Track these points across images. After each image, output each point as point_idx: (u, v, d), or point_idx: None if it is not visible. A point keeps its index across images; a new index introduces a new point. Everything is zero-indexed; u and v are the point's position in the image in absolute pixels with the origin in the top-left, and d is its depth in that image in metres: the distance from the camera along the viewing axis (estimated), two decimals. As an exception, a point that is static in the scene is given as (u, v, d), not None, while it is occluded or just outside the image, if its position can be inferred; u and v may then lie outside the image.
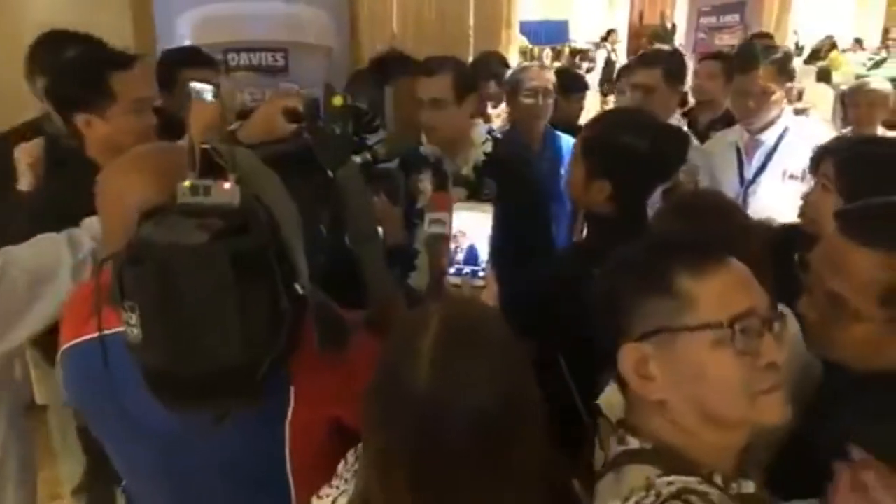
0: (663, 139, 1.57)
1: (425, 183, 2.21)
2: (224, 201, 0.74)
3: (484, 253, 1.06)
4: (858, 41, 9.85)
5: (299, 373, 0.88)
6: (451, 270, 1.07)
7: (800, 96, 8.03)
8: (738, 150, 2.29)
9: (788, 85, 2.29)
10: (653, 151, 1.53)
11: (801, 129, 2.28)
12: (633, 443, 0.80)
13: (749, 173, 2.26)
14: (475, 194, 2.10)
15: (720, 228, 1.37)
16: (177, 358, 0.71)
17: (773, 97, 2.19)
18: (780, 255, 1.44)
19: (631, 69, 2.58)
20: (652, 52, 2.95)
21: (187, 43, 2.92)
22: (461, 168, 2.14)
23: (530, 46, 10.54)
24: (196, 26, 2.98)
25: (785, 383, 0.76)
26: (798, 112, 7.74)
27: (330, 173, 0.99)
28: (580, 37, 12.34)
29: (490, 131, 2.28)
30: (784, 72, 2.24)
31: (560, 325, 1.41)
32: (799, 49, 10.45)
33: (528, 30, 9.89)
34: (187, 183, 0.75)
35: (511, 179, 2.08)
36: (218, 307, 0.70)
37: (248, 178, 0.78)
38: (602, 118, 1.80)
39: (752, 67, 2.18)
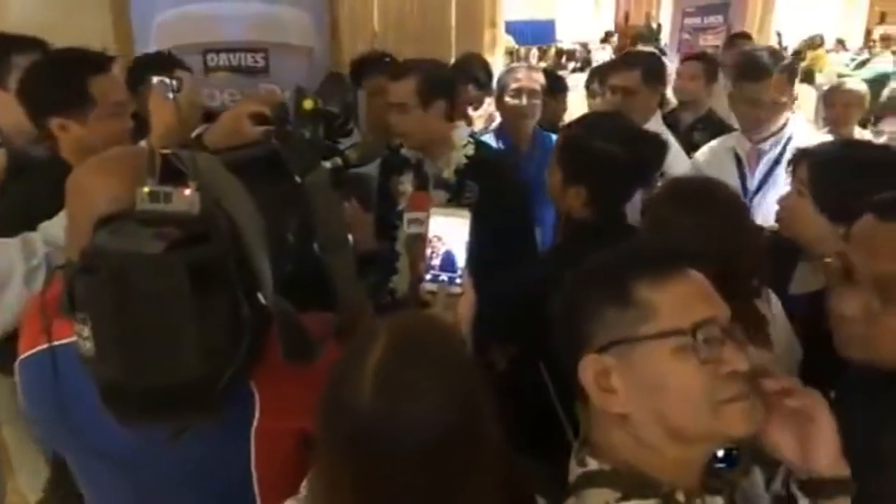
0: (640, 145, 1.57)
1: (406, 185, 2.20)
2: (184, 209, 0.72)
3: (461, 259, 1.04)
4: (841, 42, 9.93)
5: (264, 384, 0.86)
6: (427, 277, 1.04)
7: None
8: (739, 159, 2.22)
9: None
10: (629, 157, 1.52)
11: (806, 136, 2.18)
12: (593, 464, 0.79)
13: (752, 184, 2.20)
14: (456, 197, 2.09)
15: (723, 216, 1.36)
16: (131, 371, 0.69)
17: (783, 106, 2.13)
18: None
19: (609, 71, 2.56)
20: (631, 54, 2.96)
21: (168, 43, 2.89)
22: (442, 171, 2.13)
23: (517, 46, 10.55)
24: (174, 26, 2.94)
25: (752, 394, 0.74)
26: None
27: (298, 179, 0.96)
28: (566, 37, 12.38)
29: (472, 134, 2.27)
30: (792, 78, 2.18)
31: (538, 329, 1.40)
32: (783, 50, 10.55)
33: (515, 30, 9.90)
34: (146, 189, 0.73)
35: (493, 182, 2.07)
36: (174, 319, 0.68)
37: (209, 185, 0.76)
38: (578, 123, 1.80)
39: (763, 76, 2.09)
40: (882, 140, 2.13)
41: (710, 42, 6.64)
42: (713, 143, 2.37)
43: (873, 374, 0.98)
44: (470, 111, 2.82)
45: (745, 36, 4.66)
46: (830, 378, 1.03)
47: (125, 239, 0.69)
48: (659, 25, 12.12)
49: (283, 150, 0.99)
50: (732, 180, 2.13)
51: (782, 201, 1.46)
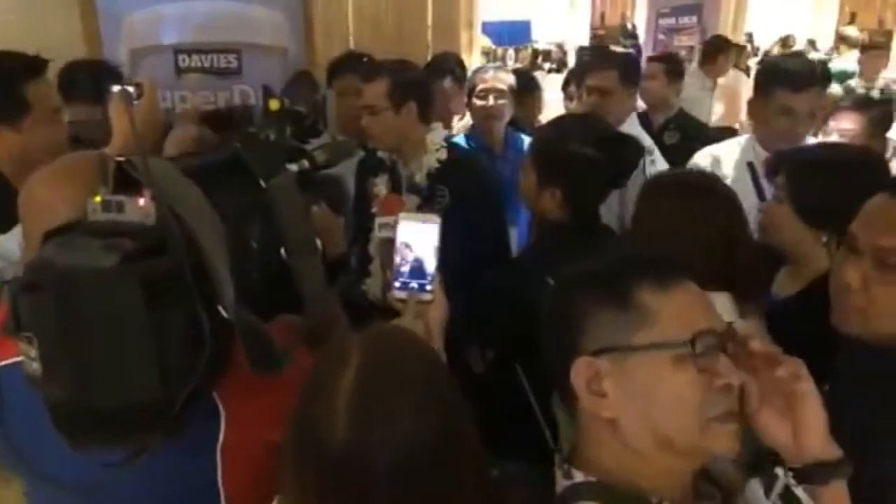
0: (614, 147, 1.56)
1: (381, 187, 2.18)
2: (138, 219, 0.68)
3: (431, 266, 1.02)
4: (812, 42, 10.08)
5: (230, 397, 0.83)
6: (396, 285, 1.02)
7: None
8: (753, 169, 2.05)
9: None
10: (603, 159, 1.52)
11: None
12: (578, 476, 0.77)
13: (770, 193, 2.13)
14: (427, 202, 2.06)
15: (715, 208, 1.36)
16: (82, 393, 0.65)
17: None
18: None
19: (585, 72, 2.54)
20: (607, 54, 2.95)
21: (138, 43, 2.83)
22: (414, 175, 2.11)
23: (493, 47, 10.57)
24: (144, 26, 2.88)
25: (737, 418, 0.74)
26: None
27: (262, 183, 0.92)
28: (542, 37, 12.43)
29: (447, 138, 2.24)
30: (824, 88, 2.09)
31: (514, 331, 1.39)
32: (755, 50, 10.68)
33: (491, 31, 9.93)
34: (98, 198, 0.69)
35: (465, 186, 2.05)
36: (128, 336, 0.64)
37: (165, 193, 0.72)
38: (552, 125, 1.80)
39: (807, 85, 1.87)
40: (832, 138, 2.08)
41: (685, 42, 6.71)
42: (715, 149, 2.16)
43: (865, 361, 0.99)
44: (455, 120, 2.81)
45: (725, 41, 4.70)
46: (823, 372, 1.03)
47: (74, 252, 0.65)
48: (634, 26, 12.22)
49: (245, 153, 0.95)
50: (746, 189, 1.93)
51: (764, 210, 1.45)
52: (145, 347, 0.65)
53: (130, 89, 1.26)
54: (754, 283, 1.36)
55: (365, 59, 2.58)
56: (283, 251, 0.95)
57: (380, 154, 2.20)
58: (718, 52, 4.44)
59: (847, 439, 0.86)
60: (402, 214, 1.07)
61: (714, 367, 0.72)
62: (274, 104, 1.17)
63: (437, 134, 2.13)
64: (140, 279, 0.64)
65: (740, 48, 6.53)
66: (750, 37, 9.33)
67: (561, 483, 0.78)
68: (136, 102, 1.22)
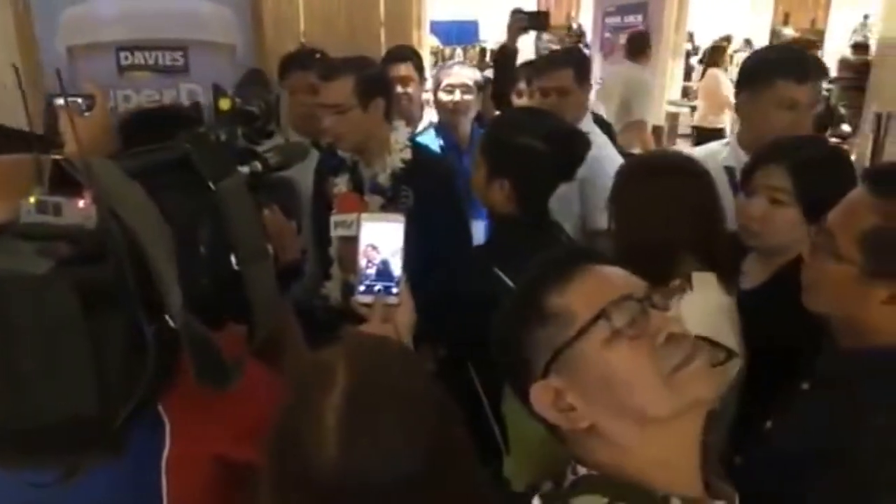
0: (562, 139, 1.58)
1: (341, 187, 2.13)
2: (77, 222, 0.64)
3: (397, 267, 0.99)
4: (748, 41, 10.41)
5: (175, 409, 0.80)
6: (361, 288, 0.99)
7: (696, 95, 8.42)
8: (732, 174, 1.93)
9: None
10: (551, 151, 1.54)
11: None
12: (582, 470, 0.75)
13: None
14: (391, 203, 2.03)
15: (696, 188, 1.39)
16: (11, 410, 0.60)
17: None
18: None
19: (539, 72, 2.49)
20: (560, 53, 2.96)
21: (76, 41, 2.71)
22: (377, 175, 2.07)
23: (441, 47, 10.56)
24: (82, 23, 2.75)
25: (704, 351, 0.72)
26: (696, 109, 8.06)
27: (212, 185, 0.88)
28: (490, 37, 12.48)
29: (412, 137, 2.22)
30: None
31: (466, 329, 1.38)
32: (695, 49, 10.98)
33: (439, 30, 9.91)
34: (32, 199, 0.64)
35: (430, 187, 2.03)
36: (63, 348, 0.60)
37: (108, 195, 0.67)
38: (502, 118, 1.81)
39: (810, 75, 1.72)
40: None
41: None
42: (701, 154, 1.99)
43: (842, 362, 1.01)
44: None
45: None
46: (800, 366, 1.04)
47: (4, 257, 0.60)
48: (580, 25, 12.40)
49: (194, 154, 0.90)
50: (722, 193, 1.77)
51: (755, 213, 1.33)
52: (82, 360, 0.60)
53: (79, 100, 1.18)
54: (731, 261, 1.40)
55: (318, 56, 2.53)
56: (232, 257, 0.91)
57: (341, 153, 2.15)
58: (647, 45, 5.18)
59: (826, 440, 0.88)
60: (365, 215, 1.04)
61: (645, 327, 0.71)
62: (224, 104, 1.12)
63: (400, 133, 2.10)
64: (76, 286, 0.59)
65: (722, 49, 6.81)
66: (691, 36, 9.57)
67: (568, 478, 0.77)
68: (86, 114, 1.15)
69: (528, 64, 2.89)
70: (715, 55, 6.47)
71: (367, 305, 0.98)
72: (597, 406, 0.72)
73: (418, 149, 2.14)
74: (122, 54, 2.77)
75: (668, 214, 1.31)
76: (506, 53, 2.69)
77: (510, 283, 1.57)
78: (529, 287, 0.79)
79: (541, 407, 0.75)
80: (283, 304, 1.11)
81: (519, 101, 2.79)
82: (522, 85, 2.80)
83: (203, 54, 2.84)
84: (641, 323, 0.71)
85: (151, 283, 0.68)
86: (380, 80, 2.06)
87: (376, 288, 0.98)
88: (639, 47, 5.11)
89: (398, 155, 2.05)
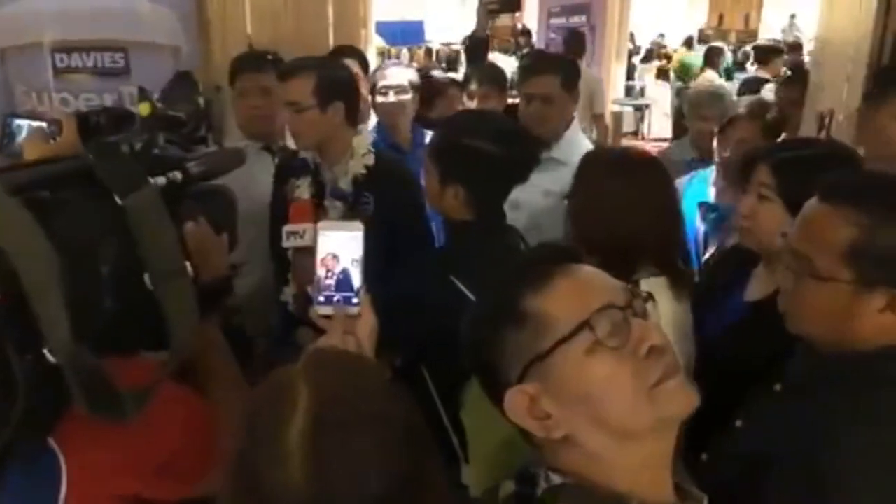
0: (512, 139, 1.57)
1: (303, 190, 2.08)
2: None
3: (357, 277, 0.95)
4: (688, 41, 10.68)
5: (72, 446, 0.76)
6: (321, 299, 0.94)
7: (642, 92, 8.63)
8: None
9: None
10: (503, 153, 1.52)
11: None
12: (555, 479, 0.74)
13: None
14: (352, 209, 2.00)
15: (651, 181, 1.44)
16: None
17: None
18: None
19: (523, 78, 2.39)
20: (547, 59, 2.90)
21: (7, 41, 2.57)
22: (338, 179, 2.04)
23: (387, 47, 10.50)
24: (14, 22, 2.62)
25: (681, 367, 0.72)
26: (639, 108, 8.28)
27: (119, 199, 0.83)
28: (435, 38, 12.48)
29: (376, 143, 2.18)
30: None
31: (422, 337, 1.36)
32: (636, 48, 11.23)
33: (384, 30, 9.84)
34: None
35: (392, 193, 2.00)
36: None
37: None
38: (449, 121, 1.80)
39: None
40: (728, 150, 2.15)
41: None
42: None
43: (816, 367, 1.01)
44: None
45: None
46: (776, 371, 1.05)
47: None
48: (524, 27, 12.52)
49: (98, 165, 0.84)
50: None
51: (744, 210, 1.36)
52: None
53: (43, 125, 1.11)
54: (685, 261, 1.44)
55: (270, 57, 2.47)
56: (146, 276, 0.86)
57: (302, 155, 2.11)
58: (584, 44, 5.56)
59: (793, 442, 0.88)
60: (322, 223, 0.99)
61: (627, 337, 0.69)
62: (144, 108, 1.06)
63: (364, 138, 2.06)
64: None
65: (718, 50, 7.02)
66: (632, 36, 9.78)
67: (540, 486, 0.75)
68: (53, 141, 1.07)
69: (475, 66, 2.87)
70: (711, 55, 6.68)
71: (328, 317, 0.93)
72: (573, 415, 0.71)
73: (381, 154, 2.11)
74: (58, 56, 2.64)
75: (627, 212, 1.33)
76: (475, 41, 2.63)
77: (467, 292, 1.55)
78: (506, 288, 0.76)
79: (514, 413, 0.73)
80: (209, 324, 1.06)
81: (469, 104, 2.77)
82: (473, 86, 2.79)
83: (145, 56, 2.73)
84: (623, 333, 0.69)
85: (25, 314, 0.65)
86: (342, 83, 2.02)
87: (336, 299, 0.93)
88: (579, 46, 5.36)
89: (360, 160, 2.02)
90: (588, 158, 1.56)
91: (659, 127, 8.53)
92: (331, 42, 3.09)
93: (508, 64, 6.64)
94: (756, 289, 1.38)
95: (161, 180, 0.95)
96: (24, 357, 0.65)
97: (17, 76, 2.64)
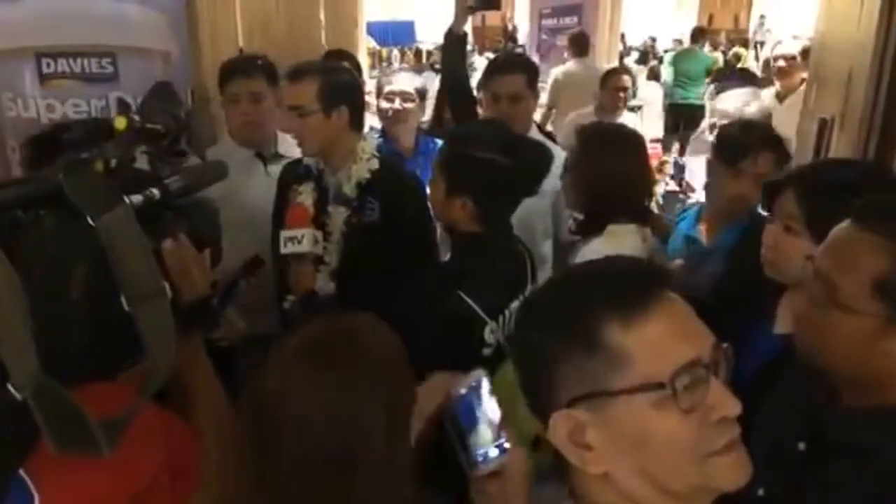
0: (521, 152, 1.54)
1: (305, 196, 2.04)
2: None
3: (498, 417, 0.90)
4: (678, 41, 10.72)
5: (44, 477, 0.75)
6: (480, 459, 0.87)
7: (634, 94, 8.62)
8: None
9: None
10: (513, 165, 1.50)
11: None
12: None
13: None
14: (357, 214, 1.97)
15: (643, 155, 1.68)
16: None
17: None
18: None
19: (490, 77, 2.38)
20: (510, 58, 2.91)
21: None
22: (342, 184, 2.00)
23: (378, 48, 10.46)
24: (-1, 28, 2.55)
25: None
26: (632, 109, 8.34)
27: (91, 220, 0.80)
28: (426, 38, 12.45)
29: (380, 148, 2.15)
30: None
31: (432, 351, 1.33)
32: (627, 49, 11.24)
33: (375, 31, 9.81)
34: None
35: (396, 200, 1.96)
36: None
37: None
38: (460, 131, 1.80)
39: None
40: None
41: (566, 43, 6.92)
42: None
43: (852, 425, 0.93)
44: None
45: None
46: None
47: None
48: (514, 27, 12.52)
49: (68, 185, 0.80)
50: None
51: (767, 241, 1.29)
52: None
53: None
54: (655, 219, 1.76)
55: (260, 62, 2.42)
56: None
57: (306, 161, 2.07)
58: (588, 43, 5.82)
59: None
60: (452, 392, 0.93)
61: (703, 400, 0.64)
62: (120, 122, 1.02)
63: (369, 143, 2.03)
64: None
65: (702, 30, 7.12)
66: (622, 36, 9.79)
67: None
68: None
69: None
70: (696, 34, 6.78)
71: (497, 473, 0.87)
72: (618, 457, 0.67)
73: (385, 159, 2.07)
74: (44, 61, 2.57)
75: (620, 177, 1.64)
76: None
77: (474, 306, 1.52)
78: (585, 307, 0.68)
79: (556, 436, 0.69)
80: (192, 343, 1.04)
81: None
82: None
83: (134, 61, 2.67)
84: (699, 395, 0.64)
85: None
86: (346, 87, 1.98)
87: (491, 455, 0.87)
88: (583, 45, 5.63)
89: (364, 164, 1.98)
90: (588, 133, 1.76)
91: (652, 127, 8.53)
92: (324, 44, 3.05)
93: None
94: (787, 320, 1.29)
95: (137, 198, 0.92)
96: None
97: (2, 82, 2.58)
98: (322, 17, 3.05)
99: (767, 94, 3.44)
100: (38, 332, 0.69)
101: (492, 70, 2.42)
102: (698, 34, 7.71)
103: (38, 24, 2.56)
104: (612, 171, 1.64)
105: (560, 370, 0.68)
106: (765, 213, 1.33)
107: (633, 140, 1.77)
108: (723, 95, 2.75)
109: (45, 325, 0.70)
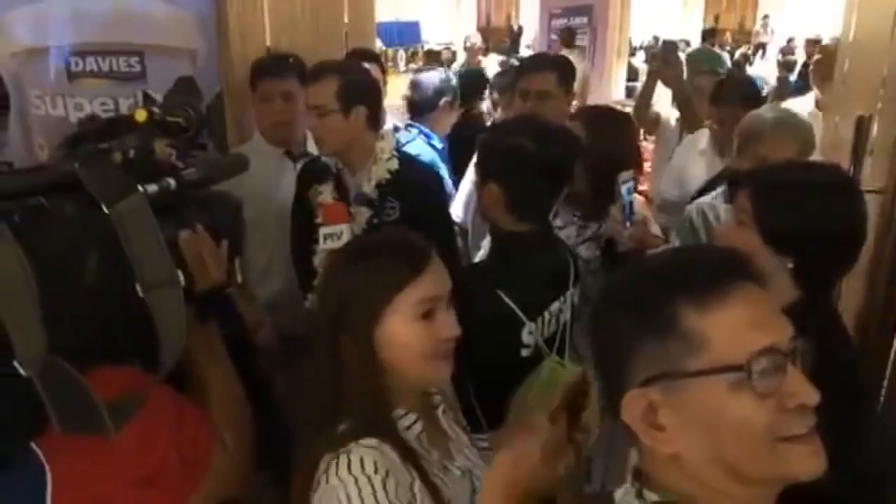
0: (551, 139, 1.57)
1: (326, 195, 2.05)
2: None
3: None
4: (686, 42, 10.72)
5: (57, 453, 0.78)
6: None
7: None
8: None
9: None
10: (539, 150, 1.53)
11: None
12: (652, 497, 0.71)
13: None
14: (377, 215, 1.97)
15: (618, 139, 1.90)
16: None
17: None
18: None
19: (520, 75, 2.45)
20: (541, 56, 2.94)
21: (21, 45, 2.51)
22: (361, 185, 2.01)
23: (384, 48, 10.47)
24: (27, 26, 2.55)
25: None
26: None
27: (105, 208, 0.82)
28: (431, 38, 12.46)
29: (399, 147, 2.16)
30: None
31: (468, 351, 1.34)
32: (633, 49, 11.25)
33: (381, 31, 9.81)
34: None
35: (416, 200, 1.97)
36: None
37: None
38: (496, 124, 1.89)
39: None
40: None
41: (578, 43, 6.94)
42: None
43: None
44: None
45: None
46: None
47: None
48: (520, 27, 12.52)
49: (84, 174, 0.83)
50: None
51: (721, 233, 1.38)
52: None
53: None
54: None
55: (291, 61, 2.44)
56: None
57: (325, 160, 2.08)
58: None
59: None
60: None
61: (779, 386, 0.65)
62: (140, 115, 1.05)
63: (388, 143, 2.03)
64: None
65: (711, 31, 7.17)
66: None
67: (631, 502, 0.73)
68: None
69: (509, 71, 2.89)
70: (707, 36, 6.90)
71: None
72: (690, 439, 0.68)
73: (405, 159, 2.08)
74: (73, 59, 2.58)
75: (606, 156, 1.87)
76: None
77: (513, 306, 1.53)
78: (664, 293, 0.70)
79: (629, 415, 0.70)
80: (207, 332, 1.07)
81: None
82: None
83: (160, 60, 2.67)
84: (776, 380, 0.65)
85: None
86: (364, 86, 1.99)
87: None
88: (572, 37, 6.19)
89: (384, 165, 1.99)
90: (593, 115, 2.05)
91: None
92: (346, 44, 3.06)
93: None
94: None
95: (153, 187, 0.94)
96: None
97: (30, 80, 2.58)
98: (346, 16, 3.05)
99: (806, 102, 3.44)
100: (51, 314, 0.71)
101: (523, 67, 2.44)
102: (709, 35, 7.71)
103: (67, 23, 2.57)
104: (621, 147, 1.93)
105: (637, 350, 0.70)
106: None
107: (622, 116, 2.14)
108: None
109: (59, 308, 0.72)
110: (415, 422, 1.09)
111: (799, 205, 1.21)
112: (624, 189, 1.85)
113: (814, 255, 1.19)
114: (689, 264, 0.74)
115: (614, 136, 1.97)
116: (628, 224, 1.86)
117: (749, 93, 2.58)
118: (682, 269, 0.72)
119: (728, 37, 12.44)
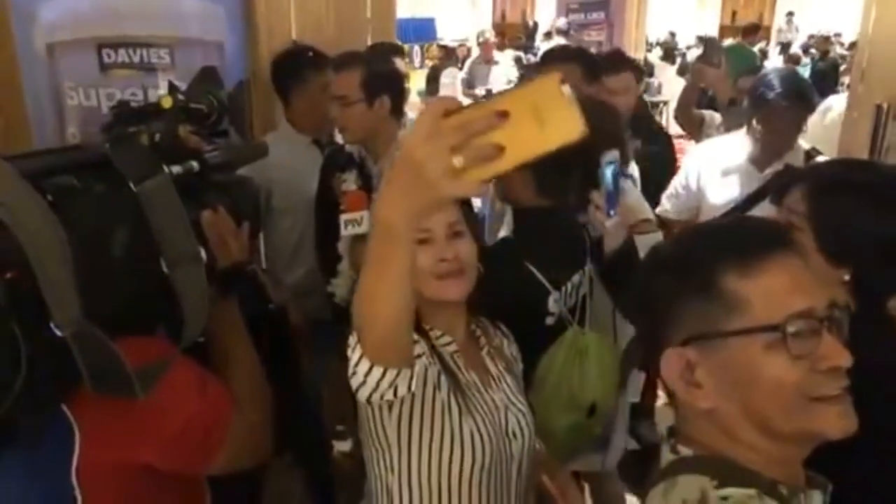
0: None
1: (350, 183, 2.10)
2: None
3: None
4: (701, 38, 10.67)
5: (86, 414, 0.80)
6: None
7: (660, 89, 8.63)
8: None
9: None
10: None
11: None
12: (686, 451, 0.75)
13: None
14: None
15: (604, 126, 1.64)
16: None
17: None
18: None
19: (543, 67, 2.48)
20: (564, 48, 2.95)
21: (55, 37, 2.58)
22: (384, 172, 2.06)
23: (401, 44, 10.48)
24: (62, 19, 2.63)
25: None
26: (656, 105, 8.28)
27: (133, 186, 0.87)
28: (446, 34, 12.47)
29: None
30: None
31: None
32: (649, 46, 11.21)
33: (398, 27, 9.83)
34: None
35: None
36: None
37: None
38: None
39: None
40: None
41: (594, 38, 6.96)
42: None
43: None
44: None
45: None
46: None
47: None
48: (535, 23, 12.51)
49: (113, 154, 0.89)
50: None
51: None
52: None
53: None
54: None
55: (311, 53, 2.48)
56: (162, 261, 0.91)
57: (348, 149, 2.13)
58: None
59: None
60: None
61: (814, 349, 0.68)
62: (166, 101, 1.12)
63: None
64: None
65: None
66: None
67: (667, 457, 0.77)
68: None
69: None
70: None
71: None
72: (726, 396, 0.72)
73: None
74: (105, 51, 2.66)
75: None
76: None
77: (539, 276, 1.58)
78: (704, 255, 0.74)
79: (668, 372, 0.74)
80: (227, 307, 1.12)
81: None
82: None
83: (188, 52, 2.74)
84: (811, 343, 0.68)
85: (31, 290, 0.69)
86: (387, 76, 2.04)
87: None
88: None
89: None
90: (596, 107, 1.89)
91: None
92: (369, 38, 3.12)
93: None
94: None
95: (177, 168, 1.00)
96: (28, 329, 0.69)
97: (64, 71, 2.66)
98: (368, 10, 3.11)
99: (838, 100, 3.32)
100: (83, 284, 0.75)
101: (545, 59, 2.46)
102: (749, 31, 7.71)
103: (99, 16, 2.64)
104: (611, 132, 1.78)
105: (678, 309, 0.74)
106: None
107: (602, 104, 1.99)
108: None
109: (90, 278, 0.76)
110: (449, 343, 1.20)
111: (863, 209, 1.07)
112: (608, 171, 1.58)
113: (874, 266, 1.07)
114: (736, 231, 0.78)
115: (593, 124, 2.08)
116: (611, 214, 1.60)
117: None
118: (729, 236, 0.77)
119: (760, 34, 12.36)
